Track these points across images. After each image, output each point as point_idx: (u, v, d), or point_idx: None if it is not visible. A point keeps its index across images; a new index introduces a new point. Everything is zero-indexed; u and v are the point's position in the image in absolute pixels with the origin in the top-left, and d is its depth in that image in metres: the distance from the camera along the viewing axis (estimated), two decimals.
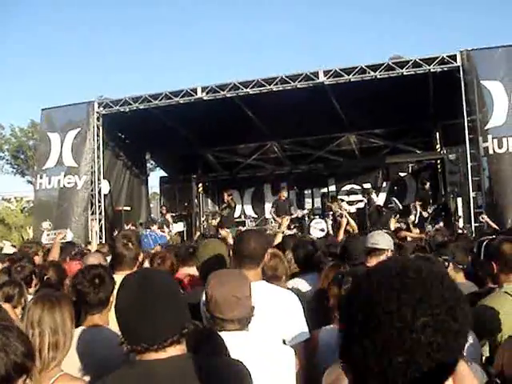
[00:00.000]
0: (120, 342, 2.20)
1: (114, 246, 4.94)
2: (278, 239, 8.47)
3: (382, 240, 5.75)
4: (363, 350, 1.32)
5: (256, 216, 23.52)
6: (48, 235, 16.38)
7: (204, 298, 3.26)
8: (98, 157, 18.54)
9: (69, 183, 18.13)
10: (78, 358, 3.36)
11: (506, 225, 13.29)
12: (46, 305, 3.10)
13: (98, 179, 18.52)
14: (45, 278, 5.92)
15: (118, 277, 4.19)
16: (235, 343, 2.88)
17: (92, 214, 18.27)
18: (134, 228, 17.04)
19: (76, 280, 3.89)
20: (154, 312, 2.16)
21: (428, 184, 19.45)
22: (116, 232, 16.34)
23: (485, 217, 12.99)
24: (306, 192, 23.14)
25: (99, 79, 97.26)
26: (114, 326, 2.82)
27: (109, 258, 7.27)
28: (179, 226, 21.02)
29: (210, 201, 24.98)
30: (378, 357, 1.30)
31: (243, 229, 17.83)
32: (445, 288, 1.35)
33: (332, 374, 2.28)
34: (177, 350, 2.21)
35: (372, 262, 5.45)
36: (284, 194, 19.77)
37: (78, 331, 3.52)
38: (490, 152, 14.39)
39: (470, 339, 3.64)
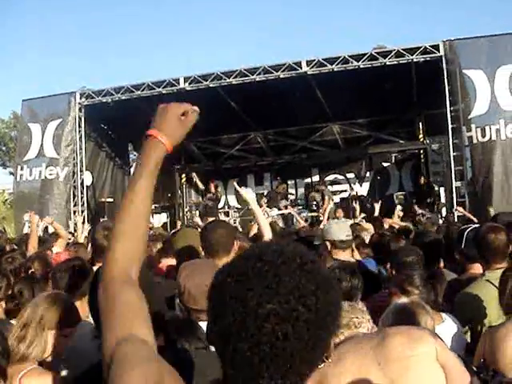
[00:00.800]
0: (95, 335, 2.15)
1: (94, 237, 4.90)
2: (254, 230, 8.28)
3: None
4: (214, 336, 1.32)
5: (240, 207, 23.46)
6: (29, 227, 16.27)
7: (177, 289, 3.23)
8: (80, 148, 18.39)
9: (50, 175, 17.99)
10: None
11: (488, 214, 13.33)
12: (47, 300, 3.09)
13: (81, 171, 18.39)
14: (29, 271, 5.83)
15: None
16: None
17: (74, 205, 18.15)
18: None
19: (53, 271, 3.87)
20: None
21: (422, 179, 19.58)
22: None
23: (460, 209, 13.00)
24: (289, 182, 23.11)
25: (82, 69, 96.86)
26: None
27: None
28: (162, 217, 20.96)
29: (193, 192, 24.89)
30: (224, 343, 1.27)
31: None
32: (302, 275, 1.28)
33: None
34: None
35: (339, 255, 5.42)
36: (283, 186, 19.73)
37: None
38: (474, 141, 14.40)
39: (454, 328, 3.65)
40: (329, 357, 1.33)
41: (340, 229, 5.61)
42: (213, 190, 20.47)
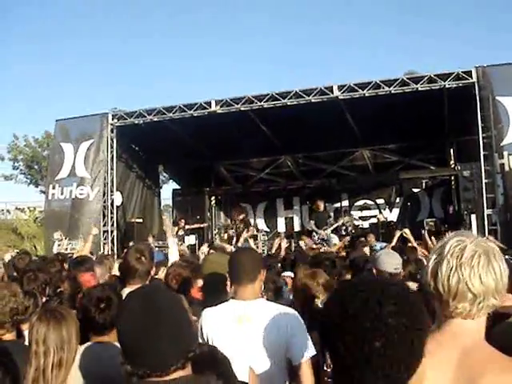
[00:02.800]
0: (121, 361, 2.12)
1: (127, 259, 4.90)
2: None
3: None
4: (344, 343, 1.63)
5: (268, 230, 23.41)
6: (59, 245, 16.40)
7: None
8: (111, 168, 18.55)
9: (81, 194, 18.14)
10: (81, 374, 3.29)
11: None
12: (52, 321, 3.03)
13: (111, 191, 18.53)
14: (58, 290, 5.84)
15: (129, 290, 4.15)
16: None
17: (104, 225, 18.27)
18: (150, 241, 16.91)
19: (81, 303, 3.84)
20: (156, 338, 2.05)
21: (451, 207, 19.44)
22: (130, 244, 16.31)
23: (491, 238, 12.82)
24: (317, 199, 23.02)
25: (114, 91, 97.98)
26: None
27: (115, 266, 7.26)
28: (191, 239, 20.98)
29: (222, 214, 24.90)
30: (361, 346, 1.59)
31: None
32: (398, 285, 1.75)
33: None
34: (182, 372, 2.10)
35: None
36: (320, 204, 19.47)
37: (83, 347, 3.46)
38: (506, 169, 14.27)
39: None
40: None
41: (389, 260, 5.60)
42: (237, 219, 20.49)
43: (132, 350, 2.09)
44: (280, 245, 12.00)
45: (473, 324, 2.08)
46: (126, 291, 4.00)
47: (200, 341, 3.80)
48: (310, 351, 3.85)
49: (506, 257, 5.36)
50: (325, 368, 4.22)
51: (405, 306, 1.63)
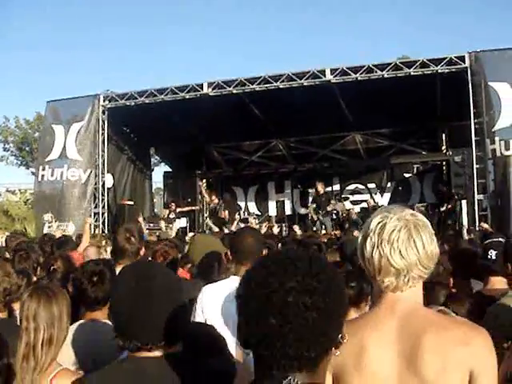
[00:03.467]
0: (114, 336, 2.14)
1: (116, 239, 4.91)
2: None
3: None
4: (245, 318, 1.57)
5: (259, 213, 23.43)
6: (49, 227, 16.36)
7: None
8: (102, 150, 18.52)
9: (72, 176, 18.10)
10: (73, 352, 3.30)
11: (510, 228, 13.22)
12: (42, 299, 3.02)
13: (102, 173, 18.50)
14: (51, 268, 5.84)
15: (119, 270, 4.15)
16: None
17: (95, 207, 18.24)
18: (141, 221, 16.88)
19: (75, 276, 3.85)
20: (149, 313, 2.08)
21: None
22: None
23: (484, 225, 12.91)
24: (309, 191, 23.01)
25: (106, 73, 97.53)
26: None
27: (108, 250, 7.28)
28: (182, 222, 20.97)
29: (214, 197, 24.89)
30: (256, 322, 1.52)
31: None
32: (312, 261, 1.60)
33: None
34: (171, 349, 2.14)
35: None
36: (320, 187, 19.53)
37: (76, 325, 3.48)
38: (497, 154, 14.31)
39: None
40: (344, 337, 1.61)
41: None
42: (215, 201, 20.58)
43: (123, 323, 2.11)
44: (271, 229, 12.04)
45: (406, 294, 2.14)
46: (116, 270, 4.01)
47: (198, 315, 3.83)
48: None
49: (495, 239, 5.43)
50: None
51: (310, 285, 1.53)
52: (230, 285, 4.03)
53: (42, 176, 18.55)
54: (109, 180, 19.03)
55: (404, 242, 2.09)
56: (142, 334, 2.08)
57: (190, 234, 14.51)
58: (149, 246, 7.33)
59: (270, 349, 1.51)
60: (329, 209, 18.73)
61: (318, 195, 19.38)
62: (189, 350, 2.29)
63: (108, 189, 18.95)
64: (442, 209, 18.63)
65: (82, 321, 3.60)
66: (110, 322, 3.50)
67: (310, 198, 22.03)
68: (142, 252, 4.87)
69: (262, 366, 1.57)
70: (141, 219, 16.74)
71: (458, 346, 2.03)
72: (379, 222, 2.15)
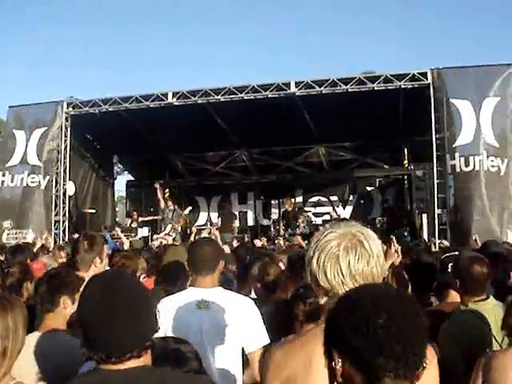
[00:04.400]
0: (74, 346, 2.11)
1: (76, 246, 4.87)
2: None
3: None
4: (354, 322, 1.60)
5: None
6: (8, 234, 16.12)
7: None
8: (65, 157, 18.24)
9: (32, 182, 17.80)
10: (33, 364, 3.25)
11: (468, 243, 13.41)
12: None
13: (64, 180, 18.24)
14: (6, 275, 5.75)
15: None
16: None
17: (56, 215, 18.00)
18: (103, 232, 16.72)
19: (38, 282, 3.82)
20: (114, 324, 2.05)
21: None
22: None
23: (444, 242, 13.07)
24: (272, 202, 23.10)
25: (70, 79, 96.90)
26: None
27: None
28: (144, 231, 20.86)
29: (176, 207, 24.77)
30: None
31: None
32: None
33: (277, 353, 2.28)
34: (138, 362, 2.10)
35: None
36: (288, 205, 19.78)
37: (34, 336, 3.42)
38: (457, 170, 14.50)
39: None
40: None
41: None
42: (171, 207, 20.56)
43: (89, 333, 2.09)
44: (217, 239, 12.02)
45: None
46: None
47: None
48: (264, 340, 3.96)
49: (453, 253, 5.51)
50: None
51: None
52: (187, 295, 4.06)
53: (2, 182, 18.21)
54: (70, 187, 18.80)
55: (330, 264, 2.14)
56: (107, 346, 2.06)
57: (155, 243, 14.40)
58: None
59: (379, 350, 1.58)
60: (299, 223, 18.83)
61: (287, 211, 19.54)
62: (157, 361, 2.27)
63: (69, 196, 18.69)
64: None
65: (41, 332, 3.54)
66: (69, 333, 3.49)
67: (274, 210, 22.14)
68: (97, 262, 4.80)
69: (366, 372, 1.61)
70: (103, 230, 16.62)
71: None
72: (316, 240, 2.22)
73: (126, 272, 3.77)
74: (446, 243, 12.87)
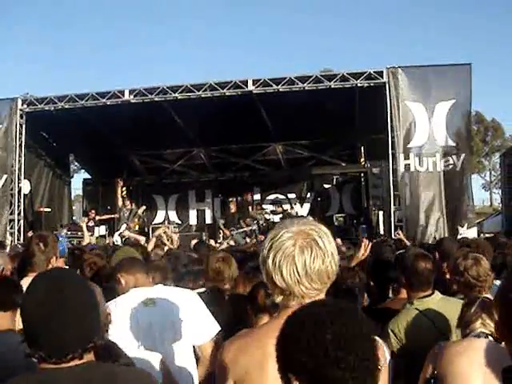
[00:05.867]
0: (20, 346, 2.10)
1: (28, 246, 4.81)
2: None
3: None
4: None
5: (180, 222, 23.33)
6: None
7: None
8: (20, 155, 17.98)
9: None
10: None
11: (424, 239, 13.67)
12: None
13: (19, 178, 17.97)
14: None
15: (30, 279, 4.07)
16: None
17: (11, 214, 17.75)
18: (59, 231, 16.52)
19: None
20: (56, 323, 2.02)
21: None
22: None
23: (400, 233, 13.23)
24: (230, 200, 23.12)
25: (26, 76, 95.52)
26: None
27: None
28: (101, 230, 20.69)
29: (134, 205, 24.62)
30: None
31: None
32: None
33: (231, 349, 2.30)
34: (83, 359, 2.08)
35: None
36: (232, 206, 19.95)
37: None
38: (411, 169, 14.77)
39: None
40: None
41: None
42: (129, 206, 20.52)
43: (31, 331, 2.08)
44: (172, 237, 12.02)
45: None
46: (27, 280, 3.94)
47: None
48: (213, 331, 4.03)
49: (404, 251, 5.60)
50: None
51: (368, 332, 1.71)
52: (131, 296, 4.06)
53: None
54: (25, 186, 18.54)
55: (286, 264, 2.16)
56: (48, 345, 2.04)
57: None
58: (76, 255, 7.24)
59: None
60: (246, 223, 18.97)
61: (231, 213, 19.67)
62: (100, 359, 2.27)
63: (25, 195, 18.44)
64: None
65: None
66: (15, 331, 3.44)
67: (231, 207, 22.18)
68: (53, 261, 4.76)
69: None
70: (60, 228, 16.44)
71: None
72: (270, 239, 2.23)
73: (73, 271, 3.75)
74: (401, 235, 12.98)
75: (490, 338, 3.11)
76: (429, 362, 3.25)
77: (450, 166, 14.85)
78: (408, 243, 11.02)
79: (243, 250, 10.06)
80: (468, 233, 14.33)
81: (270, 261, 2.18)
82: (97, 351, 2.19)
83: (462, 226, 14.57)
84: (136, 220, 20.13)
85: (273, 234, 2.24)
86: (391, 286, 5.78)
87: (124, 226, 19.31)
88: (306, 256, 2.16)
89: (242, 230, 19.00)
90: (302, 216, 20.09)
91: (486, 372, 2.90)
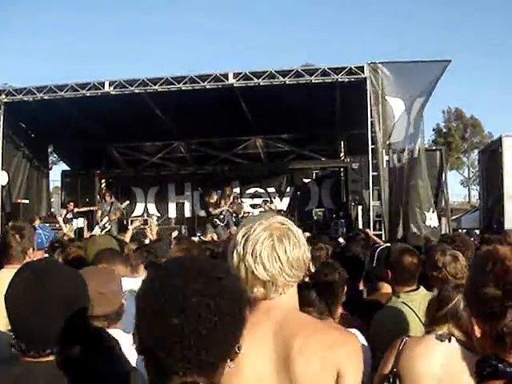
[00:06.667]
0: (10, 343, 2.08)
1: (3, 236, 4.76)
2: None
3: None
4: (145, 318, 1.54)
5: (159, 215, 23.28)
6: None
7: None
8: None
9: None
10: None
11: (405, 235, 13.73)
12: None
13: None
14: None
15: (6, 271, 4.05)
16: None
17: None
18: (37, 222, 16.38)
19: None
20: (36, 318, 2.02)
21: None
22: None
23: (368, 231, 13.24)
24: (209, 193, 23.08)
25: (5, 66, 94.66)
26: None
27: None
28: (80, 222, 20.57)
29: (113, 197, 24.50)
30: (157, 322, 1.50)
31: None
32: (216, 266, 1.64)
33: None
34: (66, 352, 2.07)
35: None
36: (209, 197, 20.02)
37: None
38: (391, 165, 14.85)
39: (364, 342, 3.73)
40: (240, 348, 1.62)
41: None
42: (109, 200, 20.48)
43: (13, 324, 2.06)
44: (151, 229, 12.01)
45: (279, 300, 2.24)
46: (3, 271, 3.93)
47: None
48: None
49: (382, 246, 5.63)
50: None
51: (214, 288, 1.54)
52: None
53: None
54: (3, 177, 18.37)
55: (267, 254, 2.17)
56: (32, 338, 2.03)
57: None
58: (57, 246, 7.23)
59: (169, 351, 1.48)
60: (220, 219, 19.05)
61: (211, 205, 19.71)
62: (86, 352, 2.24)
63: (2, 186, 18.29)
64: None
65: None
66: None
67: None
68: (30, 252, 4.71)
69: (159, 370, 1.53)
70: (37, 221, 16.29)
71: (327, 349, 2.15)
72: (244, 234, 2.24)
73: (59, 263, 3.71)
74: (369, 232, 13.02)
75: (453, 339, 3.11)
76: (389, 356, 3.24)
77: (429, 159, 14.96)
78: (378, 240, 10.99)
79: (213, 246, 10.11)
80: (432, 217, 14.48)
81: (248, 255, 2.19)
82: (86, 343, 2.17)
83: (428, 211, 14.61)
84: (118, 213, 20.07)
85: (244, 229, 2.26)
86: (362, 279, 5.87)
87: (106, 218, 19.26)
88: (285, 244, 2.20)
89: (222, 223, 19.01)
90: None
91: (446, 374, 2.91)
